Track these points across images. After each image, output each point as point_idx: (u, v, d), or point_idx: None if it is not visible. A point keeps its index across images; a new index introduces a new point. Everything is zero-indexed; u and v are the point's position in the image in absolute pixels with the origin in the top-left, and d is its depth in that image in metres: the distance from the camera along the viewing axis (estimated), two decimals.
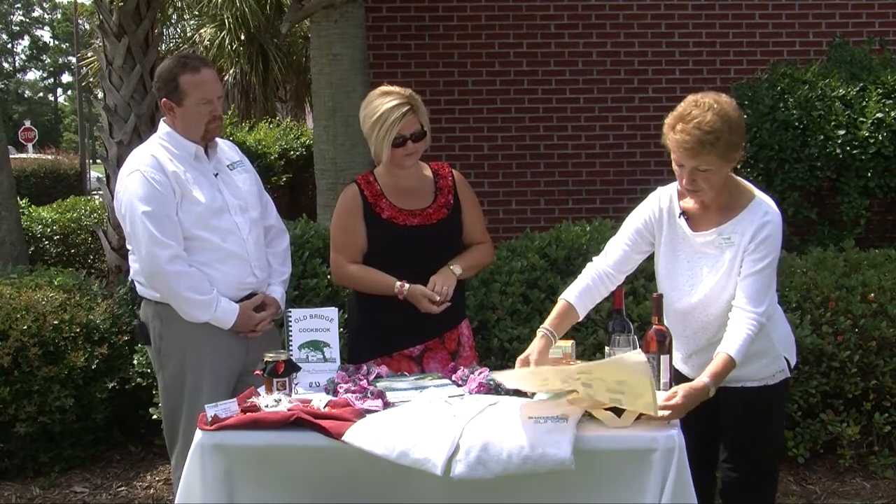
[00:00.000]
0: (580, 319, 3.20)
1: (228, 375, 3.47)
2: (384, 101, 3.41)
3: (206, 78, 3.45)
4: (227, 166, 3.59)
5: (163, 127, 3.53)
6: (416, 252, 3.47)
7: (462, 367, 3.27)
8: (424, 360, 3.52)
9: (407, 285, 3.42)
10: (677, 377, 3.00)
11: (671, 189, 3.10)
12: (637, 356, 2.58)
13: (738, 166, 5.78)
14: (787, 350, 3.12)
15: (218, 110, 3.47)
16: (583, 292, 3.16)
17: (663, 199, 3.11)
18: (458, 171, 3.68)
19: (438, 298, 3.41)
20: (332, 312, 3.31)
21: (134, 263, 3.52)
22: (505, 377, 2.97)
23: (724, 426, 3.12)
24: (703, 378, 2.78)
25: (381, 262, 3.50)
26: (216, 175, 3.52)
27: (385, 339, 3.50)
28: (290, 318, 3.28)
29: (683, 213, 3.05)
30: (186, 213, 3.39)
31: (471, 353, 3.63)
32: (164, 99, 3.47)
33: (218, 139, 3.63)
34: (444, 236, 3.53)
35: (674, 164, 2.95)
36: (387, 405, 2.93)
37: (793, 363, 3.13)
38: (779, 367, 3.08)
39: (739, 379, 2.98)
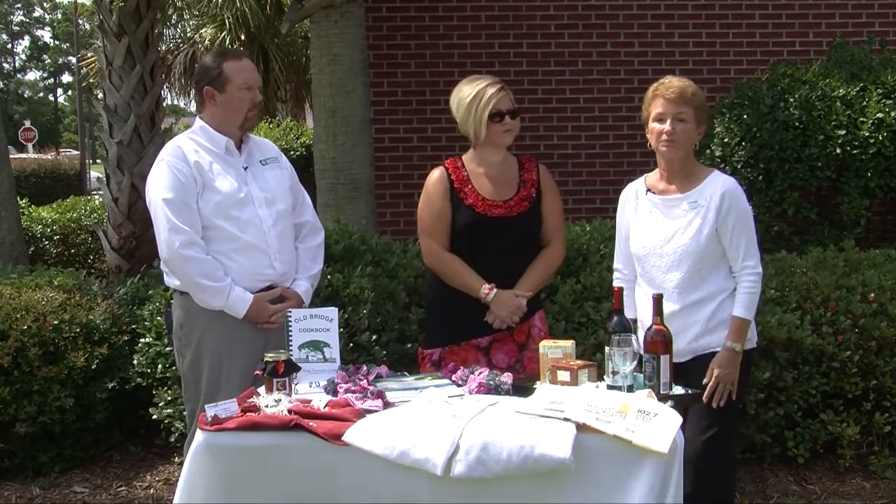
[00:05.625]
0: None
1: (244, 367, 3.46)
2: (476, 83, 3.57)
3: (248, 66, 3.63)
4: (260, 161, 3.68)
5: (198, 122, 3.64)
6: (493, 242, 3.54)
7: (462, 368, 3.28)
8: (492, 350, 3.57)
9: (493, 292, 3.50)
10: (676, 371, 3.05)
11: (636, 181, 3.55)
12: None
13: (738, 166, 5.86)
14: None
15: (258, 98, 3.62)
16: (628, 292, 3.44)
17: (630, 190, 3.56)
18: (543, 165, 3.76)
19: (515, 318, 3.54)
20: (332, 312, 3.32)
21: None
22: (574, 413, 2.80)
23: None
24: (725, 343, 3.25)
25: (460, 248, 3.57)
26: (245, 168, 3.61)
27: (457, 326, 3.56)
28: (290, 318, 3.28)
29: (650, 189, 3.47)
30: (206, 203, 3.48)
31: None
32: (206, 87, 3.56)
33: (257, 138, 3.78)
34: (522, 229, 3.61)
35: (652, 125, 3.39)
36: (387, 405, 2.94)
37: (754, 342, 3.44)
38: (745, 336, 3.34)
39: (710, 346, 3.32)
